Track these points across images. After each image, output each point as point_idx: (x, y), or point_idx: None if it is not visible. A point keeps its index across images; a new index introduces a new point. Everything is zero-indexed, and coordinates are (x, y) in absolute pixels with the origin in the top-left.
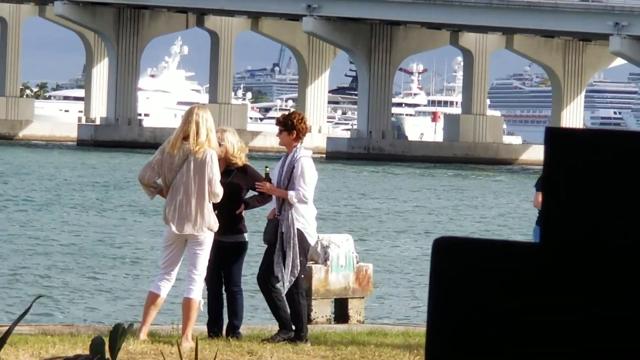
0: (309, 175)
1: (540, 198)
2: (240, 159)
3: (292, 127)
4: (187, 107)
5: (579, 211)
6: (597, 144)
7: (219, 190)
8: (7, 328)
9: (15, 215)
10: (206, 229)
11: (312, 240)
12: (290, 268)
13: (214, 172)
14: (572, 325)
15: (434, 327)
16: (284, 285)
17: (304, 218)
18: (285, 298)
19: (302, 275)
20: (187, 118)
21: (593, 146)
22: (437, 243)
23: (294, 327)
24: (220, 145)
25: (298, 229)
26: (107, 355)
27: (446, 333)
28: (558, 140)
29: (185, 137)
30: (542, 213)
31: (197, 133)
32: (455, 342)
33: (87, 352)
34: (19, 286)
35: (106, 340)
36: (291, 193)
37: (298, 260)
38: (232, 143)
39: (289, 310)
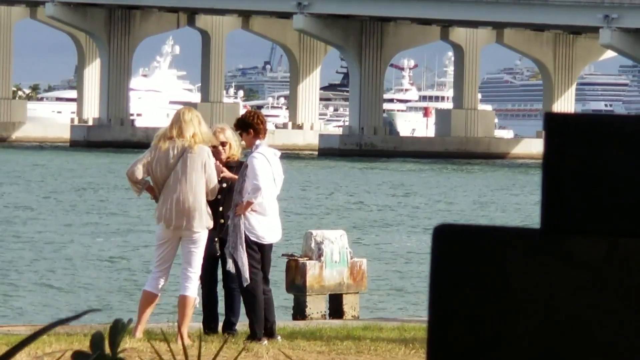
0: (252, 172)
1: None
2: (239, 155)
3: (248, 126)
4: (179, 107)
5: (579, 195)
6: (596, 128)
7: (217, 186)
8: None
9: (6, 217)
10: (202, 226)
11: (251, 235)
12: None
13: (212, 168)
14: (575, 313)
15: (436, 317)
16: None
17: (247, 214)
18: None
19: (233, 272)
20: (172, 120)
21: (592, 130)
22: (438, 230)
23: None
24: (224, 143)
25: (235, 223)
26: (107, 351)
27: (448, 323)
28: (557, 124)
29: (171, 138)
30: (543, 198)
31: (183, 129)
32: (457, 330)
33: (85, 350)
34: (10, 286)
35: (106, 336)
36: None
37: (231, 254)
38: (234, 140)
39: (257, 314)
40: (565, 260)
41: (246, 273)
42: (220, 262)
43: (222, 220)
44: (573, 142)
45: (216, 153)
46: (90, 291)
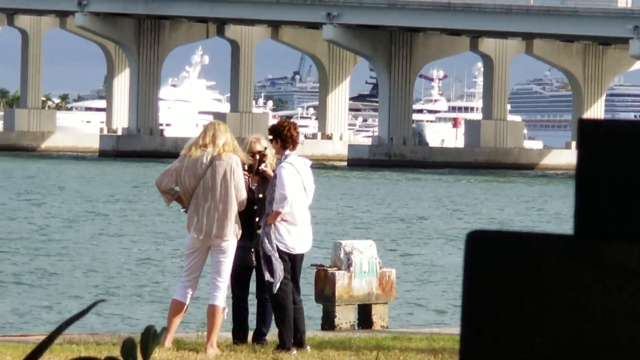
0: (280, 181)
1: None
2: (274, 165)
3: (276, 136)
4: (208, 117)
5: (612, 201)
6: (629, 134)
7: (245, 196)
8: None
9: (38, 226)
10: (232, 235)
11: (280, 244)
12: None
13: (240, 177)
14: (609, 318)
15: (469, 324)
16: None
17: (278, 224)
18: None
19: (271, 281)
20: (205, 128)
21: (626, 136)
22: (471, 237)
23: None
24: (261, 152)
25: (267, 232)
26: (140, 359)
27: (481, 330)
28: (590, 131)
29: (204, 145)
30: (576, 204)
31: (216, 137)
32: (490, 338)
33: (116, 355)
34: (39, 296)
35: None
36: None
37: (270, 264)
38: (270, 149)
39: (286, 323)
40: (599, 266)
41: (278, 283)
42: (255, 272)
43: (258, 231)
44: (606, 148)
45: (262, 157)
46: (120, 299)
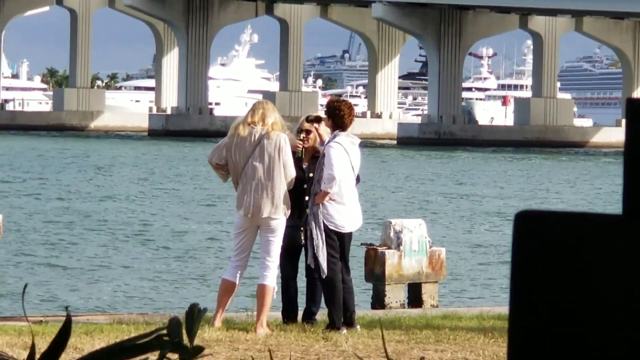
0: (328, 161)
1: None
2: (316, 144)
3: (330, 114)
4: (257, 96)
5: None
6: None
7: (294, 174)
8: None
9: (85, 205)
10: (281, 214)
11: (330, 223)
12: (312, 252)
13: (289, 155)
14: None
15: (517, 304)
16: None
17: (326, 203)
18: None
19: (312, 266)
20: (254, 106)
21: None
22: (520, 217)
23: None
24: (309, 131)
25: (314, 212)
26: (185, 337)
27: (529, 310)
28: (639, 110)
29: (253, 123)
30: (624, 184)
31: (265, 115)
32: (539, 317)
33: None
34: (92, 276)
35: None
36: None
37: (313, 244)
38: (325, 131)
39: (335, 303)
40: None
41: (324, 264)
42: (304, 251)
43: (308, 210)
44: None
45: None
46: (170, 281)
